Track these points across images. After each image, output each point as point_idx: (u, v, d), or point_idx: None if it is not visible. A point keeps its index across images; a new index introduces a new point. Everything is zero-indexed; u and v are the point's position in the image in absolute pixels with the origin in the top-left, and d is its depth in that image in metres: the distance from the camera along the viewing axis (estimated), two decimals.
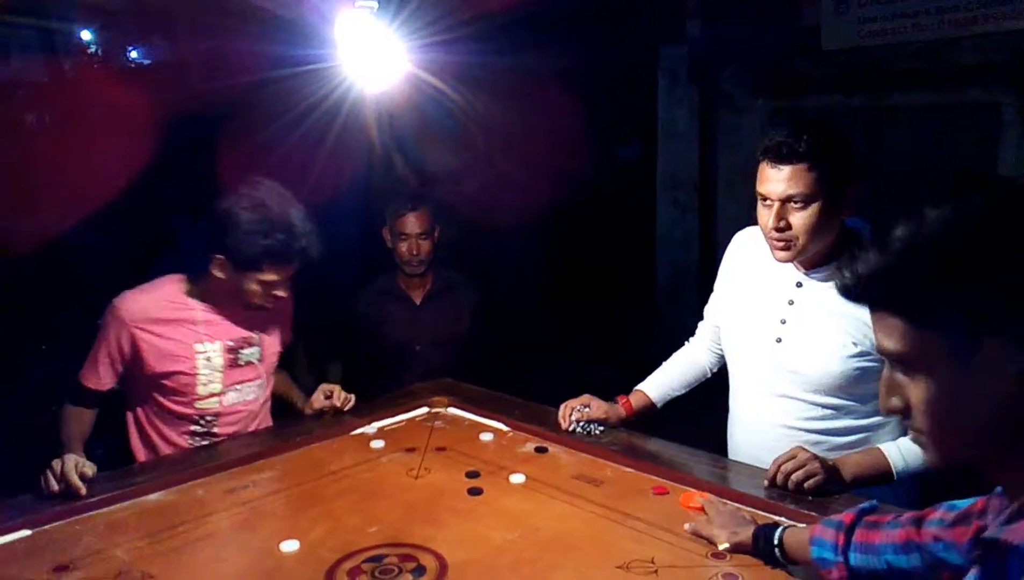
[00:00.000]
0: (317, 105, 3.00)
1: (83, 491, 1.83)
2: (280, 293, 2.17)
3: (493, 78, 4.00)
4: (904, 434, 1.87)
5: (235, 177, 2.32)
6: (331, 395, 2.36)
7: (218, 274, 2.15)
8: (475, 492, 1.92)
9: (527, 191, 4.82)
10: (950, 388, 0.83)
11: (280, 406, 2.49)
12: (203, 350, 2.20)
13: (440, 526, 1.76)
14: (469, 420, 2.39)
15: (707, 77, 4.58)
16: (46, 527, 1.77)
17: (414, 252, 2.93)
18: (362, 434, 2.30)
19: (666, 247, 4.94)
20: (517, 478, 1.96)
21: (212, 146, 3.56)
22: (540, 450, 2.16)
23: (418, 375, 2.81)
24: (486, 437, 2.25)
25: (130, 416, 2.27)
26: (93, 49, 7.94)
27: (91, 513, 1.84)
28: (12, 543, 1.72)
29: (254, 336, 2.30)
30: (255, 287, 2.14)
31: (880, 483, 1.78)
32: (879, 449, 1.80)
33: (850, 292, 0.89)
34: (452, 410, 2.45)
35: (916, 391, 0.86)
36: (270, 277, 2.13)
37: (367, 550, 1.66)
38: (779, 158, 1.79)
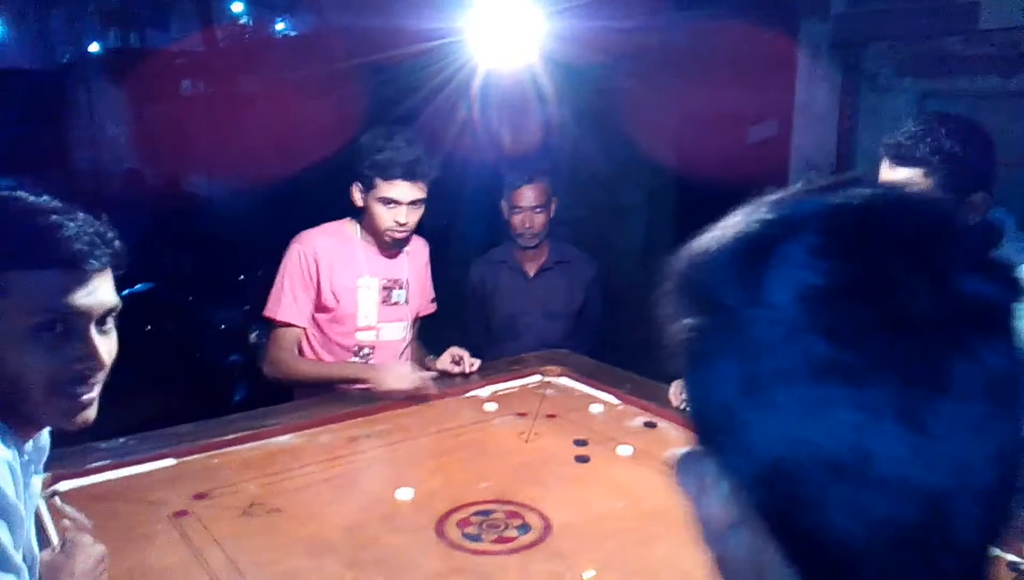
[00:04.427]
0: (449, 80, 3.05)
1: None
2: (400, 219, 2.35)
3: (624, 49, 3.96)
4: None
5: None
6: (459, 360, 2.49)
7: (357, 201, 2.40)
8: (582, 460, 1.96)
9: (654, 169, 4.76)
10: None
11: None
12: (364, 284, 2.47)
13: (547, 488, 1.82)
14: (580, 391, 2.43)
15: (851, 55, 4.37)
16: (188, 459, 1.94)
17: (527, 225, 2.96)
18: (476, 396, 2.38)
19: None
20: (625, 450, 1.99)
21: (352, 117, 3.70)
22: (649, 425, 2.17)
23: (528, 346, 2.85)
24: (596, 408, 2.28)
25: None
26: (244, 20, 8.40)
27: (228, 450, 2.00)
28: (160, 470, 1.90)
29: (403, 279, 2.53)
30: (380, 209, 2.36)
31: None
32: None
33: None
34: (564, 380, 2.50)
35: None
36: (385, 193, 2.33)
37: (477, 504, 1.74)
38: (896, 158, 1.67)
